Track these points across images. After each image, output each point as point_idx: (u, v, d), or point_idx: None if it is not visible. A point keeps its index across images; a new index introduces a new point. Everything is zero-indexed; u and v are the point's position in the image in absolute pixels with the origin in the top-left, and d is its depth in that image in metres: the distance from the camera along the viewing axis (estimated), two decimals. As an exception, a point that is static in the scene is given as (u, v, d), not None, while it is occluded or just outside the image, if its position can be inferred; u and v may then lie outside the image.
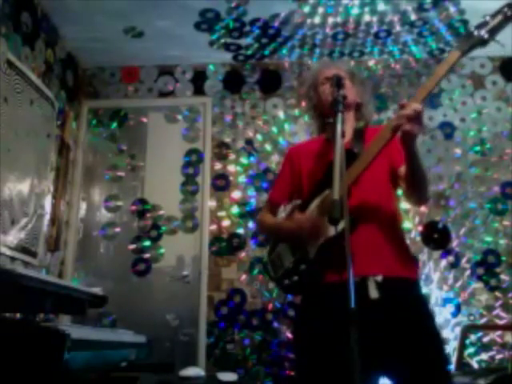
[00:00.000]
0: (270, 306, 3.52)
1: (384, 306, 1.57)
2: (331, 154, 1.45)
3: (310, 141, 2.12)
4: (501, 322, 3.42)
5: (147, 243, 3.75)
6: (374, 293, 1.57)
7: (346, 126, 1.64)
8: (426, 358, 1.56)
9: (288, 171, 1.97)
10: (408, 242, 3.60)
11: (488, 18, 1.54)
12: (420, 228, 3.61)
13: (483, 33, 1.53)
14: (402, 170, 1.73)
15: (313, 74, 2.02)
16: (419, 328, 1.61)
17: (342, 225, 1.44)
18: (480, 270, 3.50)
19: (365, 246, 1.35)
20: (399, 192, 1.86)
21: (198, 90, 4.03)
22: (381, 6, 3.37)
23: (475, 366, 3.33)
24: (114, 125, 4.03)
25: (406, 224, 3.53)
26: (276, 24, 3.57)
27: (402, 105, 1.55)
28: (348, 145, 1.74)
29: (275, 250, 1.88)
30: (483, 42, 1.54)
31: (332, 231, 1.62)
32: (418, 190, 1.72)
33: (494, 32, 1.53)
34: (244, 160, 3.86)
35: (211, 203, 3.78)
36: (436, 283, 3.52)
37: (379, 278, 1.61)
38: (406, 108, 1.53)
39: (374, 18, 3.49)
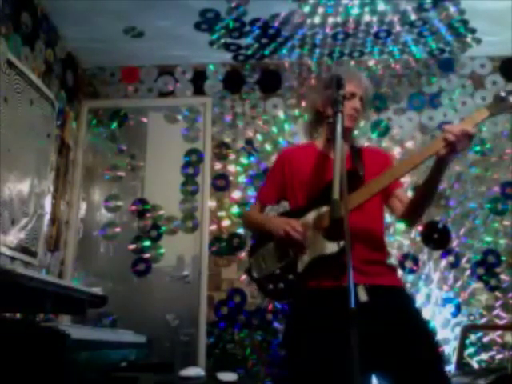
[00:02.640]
0: (270, 306, 3.52)
1: (373, 309, 1.60)
2: (329, 169, 1.49)
3: (304, 146, 2.09)
4: (501, 322, 3.42)
5: (147, 243, 3.75)
6: (363, 296, 1.63)
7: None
8: (420, 356, 1.61)
9: (278, 174, 2.00)
10: (408, 241, 3.64)
11: None
12: (420, 228, 3.61)
13: None
14: (399, 192, 1.85)
15: (332, 78, 1.84)
16: (410, 327, 1.67)
17: (336, 247, 1.65)
18: (480, 270, 3.50)
19: (355, 263, 1.41)
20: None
21: (198, 90, 4.03)
22: (381, 6, 3.37)
23: (475, 366, 3.33)
24: (114, 125, 4.03)
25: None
26: (276, 24, 3.57)
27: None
28: (350, 164, 1.80)
29: (259, 250, 1.90)
30: None
31: (326, 250, 1.71)
32: (419, 210, 1.82)
33: None
34: (244, 160, 3.86)
35: (211, 203, 3.78)
36: (436, 283, 3.52)
37: (367, 285, 1.67)
38: (455, 128, 1.58)
39: (374, 18, 3.49)
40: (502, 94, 1.62)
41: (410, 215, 1.84)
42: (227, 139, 3.92)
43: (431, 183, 1.71)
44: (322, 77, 2.06)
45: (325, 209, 1.73)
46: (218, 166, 3.87)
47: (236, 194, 3.80)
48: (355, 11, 3.42)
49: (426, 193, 1.75)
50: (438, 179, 1.69)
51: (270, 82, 4.01)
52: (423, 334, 1.70)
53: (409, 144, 3.79)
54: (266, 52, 3.91)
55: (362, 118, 2.04)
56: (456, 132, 1.56)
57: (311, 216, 1.79)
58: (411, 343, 1.62)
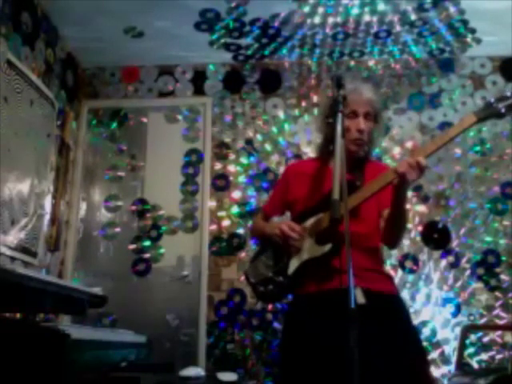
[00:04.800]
0: (270, 306, 3.51)
1: (370, 311, 1.59)
2: (330, 180, 1.49)
3: (310, 161, 2.15)
4: (501, 322, 3.42)
5: (147, 243, 3.75)
6: (361, 299, 1.62)
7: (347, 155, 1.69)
8: (405, 360, 1.64)
9: (283, 188, 2.04)
10: (408, 241, 3.64)
11: (509, 94, 1.65)
12: (420, 228, 3.61)
13: (501, 106, 1.62)
14: (386, 212, 1.81)
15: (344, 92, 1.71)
16: (399, 332, 1.69)
17: (327, 247, 1.70)
18: (480, 270, 3.50)
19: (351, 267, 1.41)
20: None
21: (198, 90, 4.03)
22: (381, 6, 3.37)
23: (475, 366, 3.32)
24: (114, 125, 4.03)
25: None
26: (276, 24, 3.57)
27: (412, 152, 1.64)
28: (350, 176, 1.79)
29: (259, 257, 1.96)
30: (499, 115, 1.63)
31: (315, 252, 1.74)
32: (392, 234, 1.81)
33: (511, 108, 1.62)
34: (244, 160, 3.86)
35: (211, 203, 3.78)
36: (436, 283, 3.52)
37: (364, 288, 1.66)
38: (411, 158, 1.61)
39: (374, 18, 3.49)
40: (492, 100, 1.64)
41: (384, 238, 1.84)
42: (227, 139, 3.92)
43: (393, 209, 1.71)
44: (323, 102, 2.06)
45: (321, 215, 1.77)
46: (218, 166, 3.87)
47: (236, 194, 3.80)
48: (355, 11, 3.42)
49: (391, 218, 1.75)
50: (397, 206, 1.70)
51: (270, 82, 4.01)
52: (411, 339, 1.72)
53: (409, 144, 3.78)
54: (266, 52, 3.91)
55: (378, 135, 1.98)
56: (409, 162, 1.60)
57: (309, 223, 1.81)
58: (398, 347, 1.64)
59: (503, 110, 1.61)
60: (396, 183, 1.65)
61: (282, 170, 3.53)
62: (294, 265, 1.80)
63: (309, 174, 1.95)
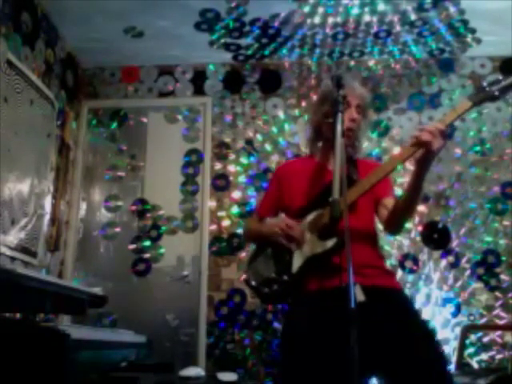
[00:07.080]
0: (270, 306, 3.51)
1: (371, 309, 1.58)
2: (326, 176, 1.48)
3: (300, 159, 2.16)
4: (501, 322, 3.42)
5: (147, 243, 3.75)
6: (360, 296, 1.61)
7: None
8: (421, 356, 1.59)
9: (275, 189, 2.03)
10: (408, 241, 3.64)
11: (501, 78, 1.66)
12: (420, 228, 3.61)
13: (494, 89, 1.63)
14: (388, 201, 1.82)
15: (327, 92, 1.85)
16: (410, 327, 1.66)
17: (330, 243, 1.67)
18: (480, 270, 3.50)
19: (352, 263, 1.40)
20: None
21: (198, 90, 4.03)
22: (381, 6, 3.37)
23: (475, 366, 3.33)
24: (114, 125, 4.03)
25: (406, 224, 3.53)
26: (276, 24, 3.57)
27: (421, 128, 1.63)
28: (346, 170, 1.77)
29: (257, 258, 1.93)
30: (493, 98, 1.65)
31: (319, 248, 1.72)
32: (402, 219, 1.80)
33: (504, 91, 1.63)
34: (244, 160, 3.86)
35: (211, 203, 3.78)
36: (436, 283, 3.52)
37: (364, 285, 1.64)
38: (429, 126, 1.60)
39: (374, 18, 3.49)
40: (484, 84, 1.65)
41: (390, 224, 1.82)
42: (227, 139, 3.92)
43: (412, 189, 1.69)
44: (319, 92, 2.03)
45: (320, 211, 1.76)
46: (218, 165, 3.87)
47: (236, 194, 3.80)
48: (355, 11, 3.42)
49: (408, 200, 1.72)
50: (418, 184, 1.67)
51: (270, 82, 4.01)
52: (423, 333, 1.69)
53: (409, 144, 3.78)
54: (266, 52, 3.91)
55: (364, 127, 2.02)
56: (430, 129, 1.58)
57: (308, 219, 1.81)
58: (412, 343, 1.61)
59: (497, 93, 1.62)
60: (420, 157, 1.61)
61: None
62: (297, 262, 1.78)
63: (301, 172, 1.95)
